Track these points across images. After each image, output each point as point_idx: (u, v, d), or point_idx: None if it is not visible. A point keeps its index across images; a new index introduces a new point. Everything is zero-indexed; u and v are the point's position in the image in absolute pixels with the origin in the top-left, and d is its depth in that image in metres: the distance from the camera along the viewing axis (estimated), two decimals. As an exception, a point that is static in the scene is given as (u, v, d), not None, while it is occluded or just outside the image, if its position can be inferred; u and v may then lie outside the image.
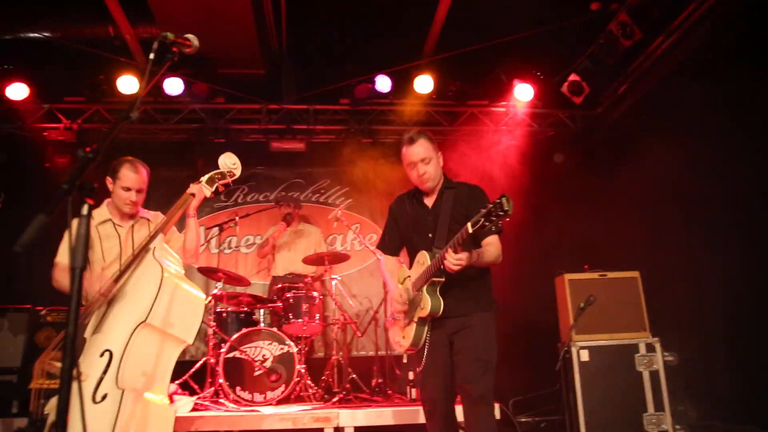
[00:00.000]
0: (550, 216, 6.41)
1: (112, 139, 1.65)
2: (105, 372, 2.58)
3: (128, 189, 3.20)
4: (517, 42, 5.69)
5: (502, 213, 2.45)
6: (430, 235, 3.05)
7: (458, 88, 6.55)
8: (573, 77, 6.06)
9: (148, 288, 2.75)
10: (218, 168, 3.34)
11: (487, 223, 2.51)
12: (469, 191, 3.15)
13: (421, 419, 4.18)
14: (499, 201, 2.45)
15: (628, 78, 5.96)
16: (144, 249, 2.90)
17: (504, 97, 6.58)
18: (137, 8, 5.27)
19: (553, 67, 6.37)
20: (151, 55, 1.94)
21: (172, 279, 2.83)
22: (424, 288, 2.91)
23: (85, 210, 1.48)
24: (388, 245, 3.33)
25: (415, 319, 2.98)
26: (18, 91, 6.03)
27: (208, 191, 3.24)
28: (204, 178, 3.27)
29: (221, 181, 3.31)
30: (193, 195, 3.20)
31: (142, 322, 2.68)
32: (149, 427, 2.63)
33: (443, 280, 2.89)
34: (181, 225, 3.39)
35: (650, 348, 4.76)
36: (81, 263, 1.41)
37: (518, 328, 5.59)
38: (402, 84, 6.41)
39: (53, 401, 2.58)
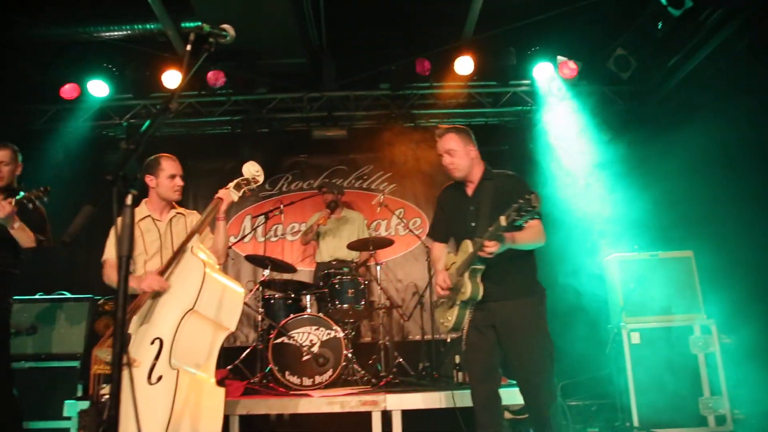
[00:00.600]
0: (599, 195, 6.25)
1: (152, 132, 1.70)
2: (157, 357, 2.72)
3: (174, 176, 3.45)
4: (560, 18, 5.52)
5: (530, 209, 2.58)
6: (473, 224, 3.17)
7: (499, 68, 6.43)
8: (619, 51, 5.85)
9: (192, 281, 2.92)
10: (243, 175, 3.52)
11: (517, 218, 2.64)
12: (508, 180, 3.24)
13: (469, 402, 4.18)
14: (528, 197, 2.58)
15: (679, 50, 5.71)
16: (182, 248, 3.08)
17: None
18: (179, 4, 5.39)
19: (598, 42, 6.17)
20: (188, 47, 1.97)
21: (212, 274, 2.99)
22: (466, 274, 3.06)
23: (129, 200, 1.53)
24: (437, 233, 3.53)
25: (458, 303, 3.14)
26: (71, 91, 6.30)
27: (235, 196, 3.42)
28: (231, 184, 3.44)
29: (247, 187, 3.49)
30: (222, 199, 3.36)
31: (189, 310, 2.85)
32: (203, 407, 2.76)
33: (483, 267, 3.05)
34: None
35: (706, 330, 4.62)
36: (127, 251, 1.47)
37: (567, 311, 5.49)
38: (442, 66, 6.34)
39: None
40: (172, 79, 6.13)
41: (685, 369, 4.55)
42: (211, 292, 2.95)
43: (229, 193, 3.41)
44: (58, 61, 6.21)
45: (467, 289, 3.04)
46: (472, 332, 3.16)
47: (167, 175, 3.42)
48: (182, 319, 2.82)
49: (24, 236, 3.51)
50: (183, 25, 5.70)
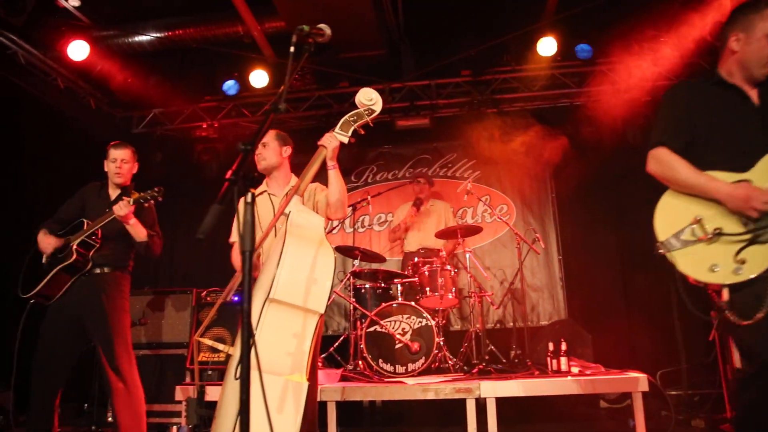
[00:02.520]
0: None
1: (266, 132, 1.79)
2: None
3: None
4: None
5: None
6: None
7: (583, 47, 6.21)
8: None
9: (274, 259, 2.52)
10: (356, 108, 2.96)
11: None
12: None
13: (563, 390, 4.11)
14: None
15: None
16: (281, 214, 2.68)
17: (636, 52, 6.11)
18: (262, 5, 5.57)
19: (693, 10, 5.80)
20: (291, 49, 2.05)
21: (294, 247, 2.52)
22: None
23: (249, 198, 1.63)
24: (677, 139, 2.54)
25: None
26: (165, 95, 6.68)
27: (344, 137, 2.90)
28: (338, 125, 2.92)
29: (359, 122, 2.92)
30: (324, 146, 2.91)
31: (266, 299, 2.43)
32: (278, 404, 2.37)
33: None
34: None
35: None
36: (250, 247, 1.56)
37: (665, 295, 5.27)
38: (523, 49, 6.21)
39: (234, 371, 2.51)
40: (259, 79, 6.37)
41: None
42: (292, 270, 2.46)
43: (333, 137, 2.88)
44: (152, 67, 6.58)
45: None
46: None
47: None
48: (262, 309, 2.42)
49: (138, 231, 3.78)
50: (266, 25, 5.90)
